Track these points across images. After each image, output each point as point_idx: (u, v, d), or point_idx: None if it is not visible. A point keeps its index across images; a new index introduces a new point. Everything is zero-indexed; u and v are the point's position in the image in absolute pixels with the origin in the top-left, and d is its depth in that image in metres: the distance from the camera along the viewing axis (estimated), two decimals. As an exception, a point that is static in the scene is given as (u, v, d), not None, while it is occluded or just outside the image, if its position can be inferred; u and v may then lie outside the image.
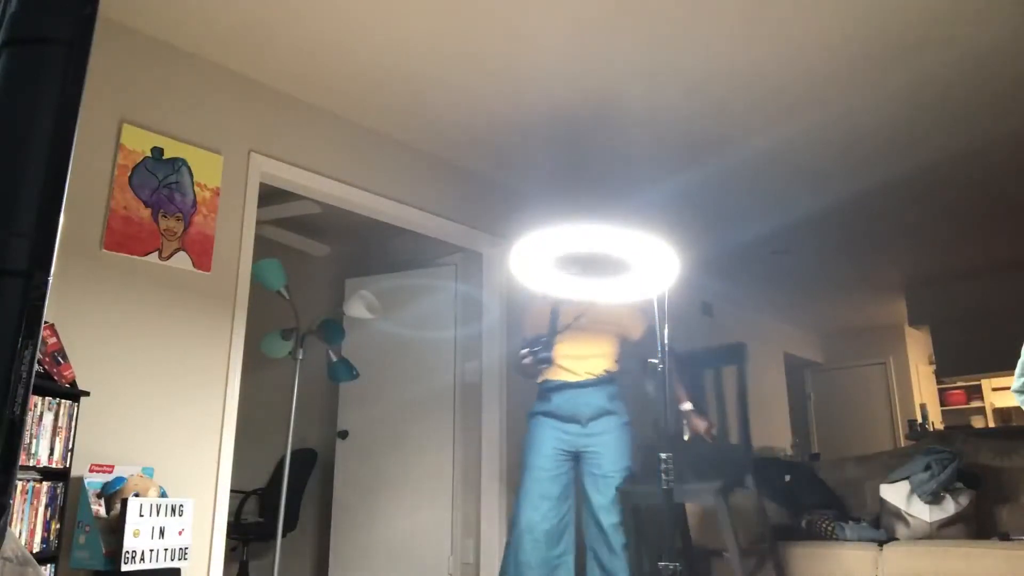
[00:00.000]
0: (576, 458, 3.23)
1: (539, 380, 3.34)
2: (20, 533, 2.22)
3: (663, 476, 2.55)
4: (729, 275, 6.39)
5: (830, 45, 3.15)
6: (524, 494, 3.16)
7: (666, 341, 2.67)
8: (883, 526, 3.45)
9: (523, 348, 3.25)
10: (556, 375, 3.27)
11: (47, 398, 2.34)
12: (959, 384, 7.63)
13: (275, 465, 4.97)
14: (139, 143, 2.98)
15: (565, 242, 2.48)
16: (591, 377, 3.24)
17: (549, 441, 3.20)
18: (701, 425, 3.13)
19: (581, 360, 3.25)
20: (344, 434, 4.78)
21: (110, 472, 2.59)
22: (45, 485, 2.30)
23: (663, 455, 2.58)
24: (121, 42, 2.99)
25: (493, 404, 4.27)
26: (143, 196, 2.96)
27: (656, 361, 2.65)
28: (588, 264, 2.65)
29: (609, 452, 3.15)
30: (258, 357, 3.84)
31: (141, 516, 2.47)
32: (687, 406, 3.18)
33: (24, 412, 0.59)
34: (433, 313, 4.74)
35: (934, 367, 7.47)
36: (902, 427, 7.72)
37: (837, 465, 4.08)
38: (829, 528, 3.47)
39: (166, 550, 2.52)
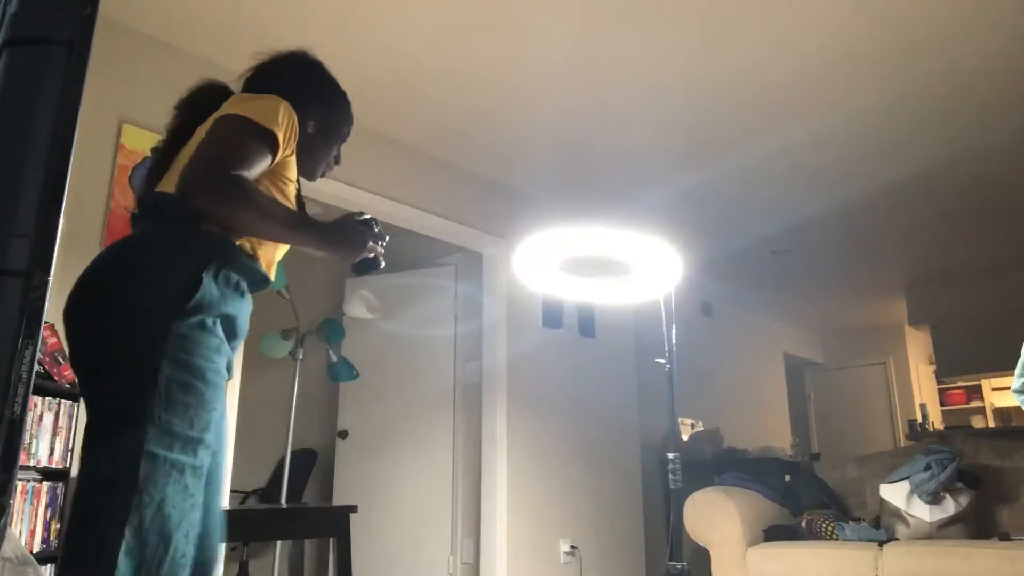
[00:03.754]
0: None
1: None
2: (20, 533, 2.21)
3: (670, 476, 2.55)
4: (729, 275, 6.39)
5: (831, 48, 3.16)
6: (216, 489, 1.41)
7: (673, 342, 2.67)
8: (883, 526, 3.45)
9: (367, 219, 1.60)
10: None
11: (47, 398, 2.34)
12: (959, 384, 7.63)
13: (275, 465, 4.96)
14: (139, 143, 2.98)
15: (568, 244, 2.48)
16: None
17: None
18: None
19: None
20: (344, 434, 4.78)
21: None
22: (45, 485, 2.30)
23: (670, 455, 2.57)
24: (121, 42, 2.99)
25: (493, 404, 4.27)
26: (143, 196, 2.96)
27: (663, 361, 2.65)
28: (591, 266, 2.64)
29: None
30: (258, 357, 3.84)
31: (141, 516, 2.47)
32: None
33: (24, 412, 0.59)
34: (433, 313, 4.74)
35: (934, 367, 7.47)
36: (902, 427, 7.72)
37: (837, 465, 4.08)
38: (829, 528, 3.47)
39: (166, 550, 2.52)
